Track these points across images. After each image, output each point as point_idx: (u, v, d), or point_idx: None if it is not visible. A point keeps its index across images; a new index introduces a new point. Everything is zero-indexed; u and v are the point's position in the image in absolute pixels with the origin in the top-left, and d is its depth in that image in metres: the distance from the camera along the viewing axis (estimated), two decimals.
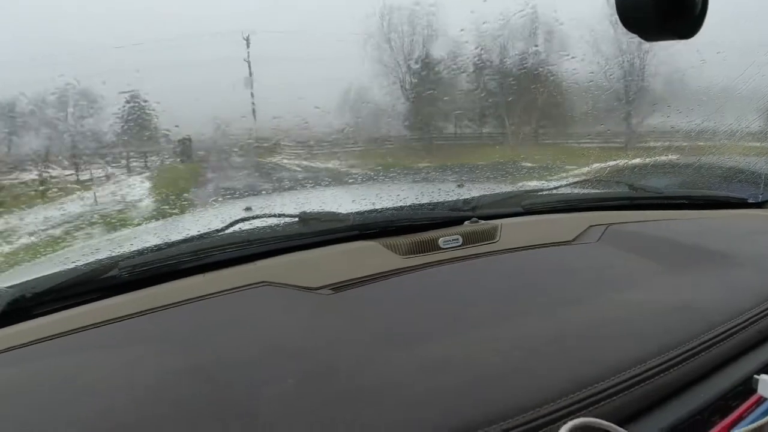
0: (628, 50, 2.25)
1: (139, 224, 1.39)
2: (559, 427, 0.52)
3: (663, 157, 1.64)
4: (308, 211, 1.05)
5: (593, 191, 1.52)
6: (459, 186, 1.56)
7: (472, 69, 1.97)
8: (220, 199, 1.73)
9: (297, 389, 0.58)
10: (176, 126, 1.72)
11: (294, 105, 1.81)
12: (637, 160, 1.67)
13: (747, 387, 0.70)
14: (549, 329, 0.74)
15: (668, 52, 2.16)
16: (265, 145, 1.95)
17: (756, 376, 0.69)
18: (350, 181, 1.83)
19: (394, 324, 0.77)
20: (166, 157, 1.81)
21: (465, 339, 0.71)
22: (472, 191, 1.40)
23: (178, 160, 1.69)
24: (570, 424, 0.51)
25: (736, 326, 0.76)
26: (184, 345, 0.71)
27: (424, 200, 1.31)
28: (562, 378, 0.61)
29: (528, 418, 0.54)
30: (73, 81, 1.61)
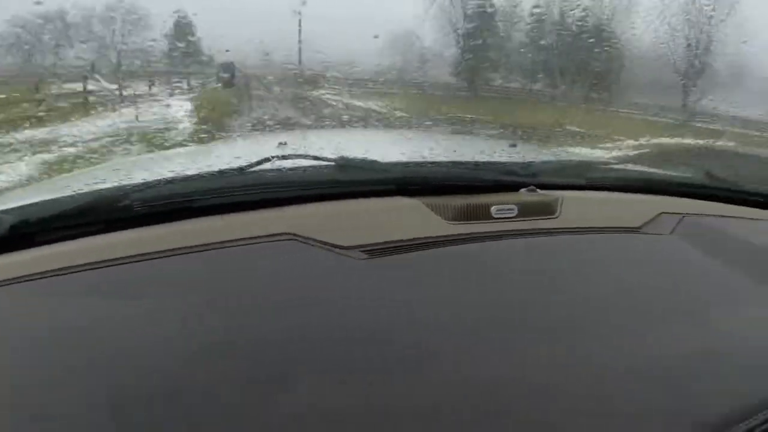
0: (707, 22, 2.09)
1: (167, 148, 1.37)
2: None
3: (745, 148, 1.51)
4: (346, 156, 0.98)
5: (665, 173, 1.40)
6: (511, 146, 1.44)
7: (535, 20, 1.85)
8: (255, 129, 1.71)
9: (329, 365, 0.53)
10: (227, 50, 1.67)
11: (342, 39, 1.74)
12: (716, 144, 1.53)
13: None
14: (618, 345, 0.64)
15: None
16: (309, 76, 1.90)
17: None
18: (394, 125, 1.75)
19: (441, 307, 0.68)
20: (208, 80, 1.80)
21: (531, 337, 0.62)
22: (526, 154, 1.32)
23: (219, 84, 1.67)
24: None
25: None
26: (196, 296, 0.67)
27: (475, 157, 1.22)
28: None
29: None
30: None
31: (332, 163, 0.97)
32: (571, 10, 2.07)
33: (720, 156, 1.46)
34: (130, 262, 0.73)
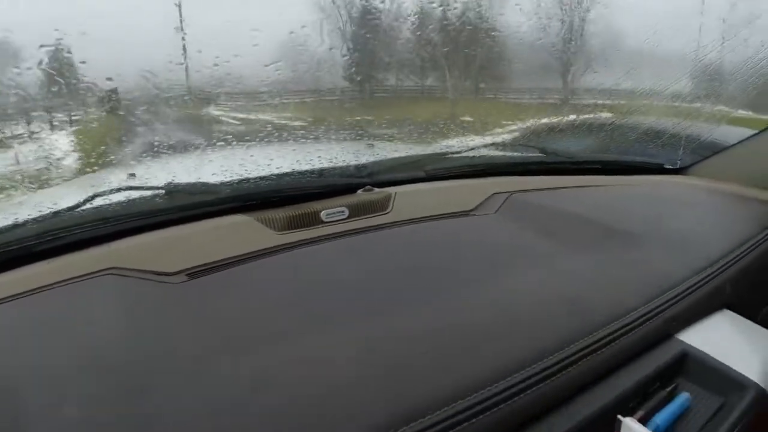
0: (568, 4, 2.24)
1: (52, 187, 1.32)
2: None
3: (578, 119, 1.63)
4: (174, 182, 0.96)
5: (501, 154, 1.45)
6: (369, 146, 1.45)
7: (418, 17, 1.91)
8: (145, 156, 1.67)
9: (104, 406, 0.53)
10: (108, 78, 1.65)
11: (229, 53, 1.74)
12: (550, 121, 1.64)
13: (609, 424, 0.63)
14: (426, 321, 0.68)
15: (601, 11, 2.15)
16: (198, 94, 1.88)
17: (620, 417, 0.64)
18: (294, 136, 1.73)
19: (249, 317, 0.68)
20: (90, 110, 1.75)
21: (334, 334, 0.64)
22: (383, 151, 1.33)
23: (104, 113, 1.63)
24: None
25: (620, 329, 0.71)
26: (31, 341, 0.65)
27: (324, 164, 1.20)
28: (442, 380, 0.57)
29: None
30: None
31: (161, 191, 0.93)
32: (451, 3, 2.16)
33: (557, 131, 1.57)
34: None
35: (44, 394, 0.54)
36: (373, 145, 1.46)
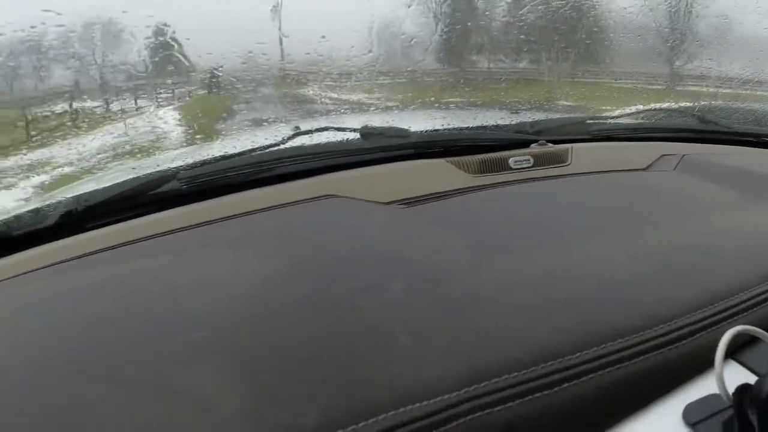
0: None
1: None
2: (714, 334, 0.50)
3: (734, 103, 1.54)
4: (370, 126, 1.06)
5: (662, 122, 1.48)
6: (513, 112, 1.49)
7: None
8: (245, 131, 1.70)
9: (403, 294, 0.58)
10: (209, 53, 1.68)
11: (324, 33, 1.74)
12: (704, 104, 1.56)
13: None
14: (641, 249, 0.71)
15: None
16: (294, 74, 1.90)
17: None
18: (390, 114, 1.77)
19: (480, 238, 0.76)
20: (193, 88, 1.79)
21: (557, 255, 0.69)
22: (526, 118, 1.37)
23: (205, 91, 1.67)
24: (732, 330, 0.48)
25: None
26: (263, 250, 0.70)
27: (483, 123, 1.29)
28: (689, 292, 0.59)
29: (667, 328, 0.52)
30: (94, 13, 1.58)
31: (357, 133, 1.04)
32: None
33: (711, 109, 1.50)
34: (188, 230, 0.76)
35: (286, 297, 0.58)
36: (518, 111, 1.49)
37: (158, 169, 0.87)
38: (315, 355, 0.47)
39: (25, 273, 0.67)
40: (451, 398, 0.42)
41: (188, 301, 0.57)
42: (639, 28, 1.96)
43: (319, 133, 1.03)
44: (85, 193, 0.80)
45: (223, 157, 0.93)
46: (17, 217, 0.77)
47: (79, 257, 0.69)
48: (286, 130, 1.18)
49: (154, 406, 0.41)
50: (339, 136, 1.03)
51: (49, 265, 0.68)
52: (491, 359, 0.46)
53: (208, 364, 0.46)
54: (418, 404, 0.41)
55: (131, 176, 0.86)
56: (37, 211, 0.77)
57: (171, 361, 0.47)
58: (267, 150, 0.96)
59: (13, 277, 0.67)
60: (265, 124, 1.69)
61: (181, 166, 0.88)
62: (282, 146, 0.99)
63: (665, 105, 1.65)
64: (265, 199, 0.84)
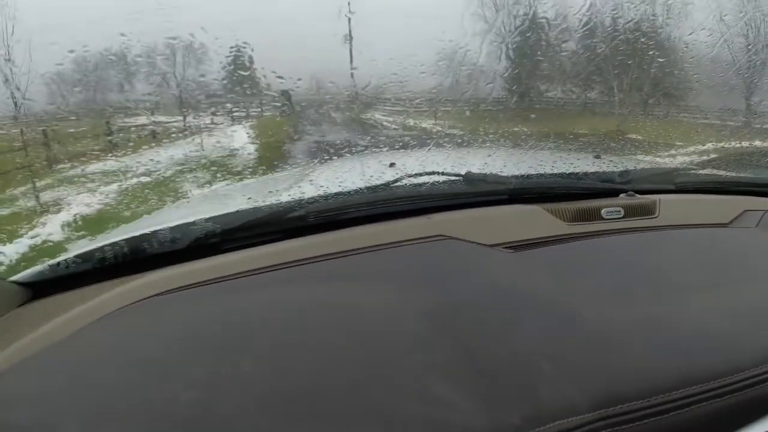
0: (763, 19, 2.00)
1: (234, 173, 1.44)
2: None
3: None
4: (471, 171, 1.09)
5: (744, 175, 1.44)
6: (596, 157, 1.50)
7: (585, 28, 1.84)
8: (315, 152, 1.76)
9: (537, 330, 0.66)
10: (280, 78, 1.73)
11: (391, 61, 1.77)
12: None
13: None
14: (725, 305, 0.78)
15: None
16: (361, 99, 1.94)
17: None
18: (463, 143, 1.80)
19: (590, 285, 0.81)
20: (265, 108, 1.86)
21: (657, 305, 0.76)
22: (609, 165, 1.37)
23: (277, 112, 1.73)
24: None
25: None
26: (395, 285, 0.75)
27: (569, 169, 1.30)
28: (753, 350, 0.66)
29: (750, 374, 0.61)
30: (180, 32, 1.65)
31: (460, 177, 1.07)
32: (622, 16, 2.03)
33: None
34: (312, 263, 0.81)
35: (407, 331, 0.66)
36: (599, 157, 1.53)
37: (280, 200, 0.94)
38: (475, 374, 0.58)
39: (175, 290, 0.72)
40: (593, 416, 0.54)
41: (335, 334, 0.64)
42: (713, 60, 1.90)
43: (428, 176, 1.08)
44: (221, 216, 0.86)
45: (346, 193, 0.99)
46: (153, 234, 0.82)
47: (218, 280, 0.74)
48: (387, 160, 1.26)
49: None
50: (443, 178, 1.08)
51: (187, 286, 0.74)
52: (618, 388, 0.58)
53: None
54: (565, 420, 0.53)
55: (263, 203, 0.95)
56: (178, 228, 0.82)
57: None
58: (381, 188, 1.02)
59: (156, 295, 0.72)
60: (366, 151, 1.74)
61: (303, 198, 0.94)
62: (394, 185, 1.05)
63: (742, 155, 1.60)
64: (382, 235, 0.89)
